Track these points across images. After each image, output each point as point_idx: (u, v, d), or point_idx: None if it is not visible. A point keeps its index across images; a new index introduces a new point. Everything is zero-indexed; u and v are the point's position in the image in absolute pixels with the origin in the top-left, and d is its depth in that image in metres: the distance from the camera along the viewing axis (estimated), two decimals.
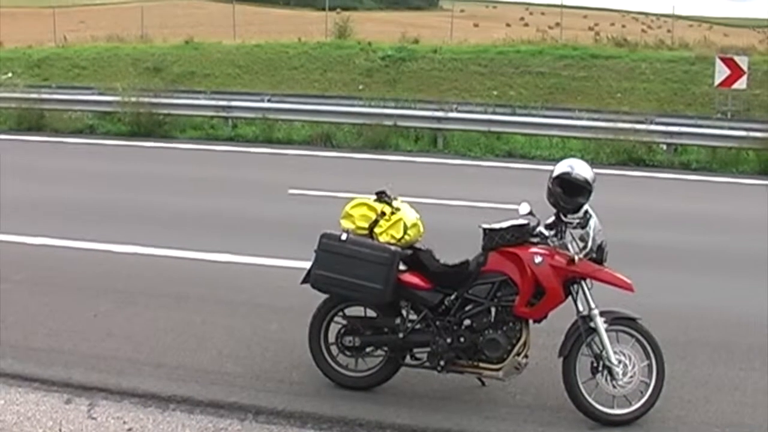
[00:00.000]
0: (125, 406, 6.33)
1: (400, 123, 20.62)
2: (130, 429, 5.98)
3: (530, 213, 6.20)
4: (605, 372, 6.17)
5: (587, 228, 6.13)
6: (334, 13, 42.40)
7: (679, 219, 13.15)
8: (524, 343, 6.26)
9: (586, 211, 6.19)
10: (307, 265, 6.47)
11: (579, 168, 6.18)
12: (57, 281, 9.21)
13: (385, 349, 6.55)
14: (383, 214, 6.40)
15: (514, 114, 21.50)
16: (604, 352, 6.15)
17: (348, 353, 6.63)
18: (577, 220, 6.20)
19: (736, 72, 22.72)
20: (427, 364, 6.42)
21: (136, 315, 8.19)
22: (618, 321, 6.24)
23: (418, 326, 6.42)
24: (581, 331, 6.18)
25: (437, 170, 17.62)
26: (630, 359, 6.19)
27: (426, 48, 31.69)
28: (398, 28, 41.24)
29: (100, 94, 23.40)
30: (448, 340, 6.30)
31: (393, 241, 6.31)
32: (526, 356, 6.30)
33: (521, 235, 6.25)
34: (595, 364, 6.20)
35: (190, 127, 21.77)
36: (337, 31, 36.25)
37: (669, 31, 43.40)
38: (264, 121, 21.20)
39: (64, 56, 32.76)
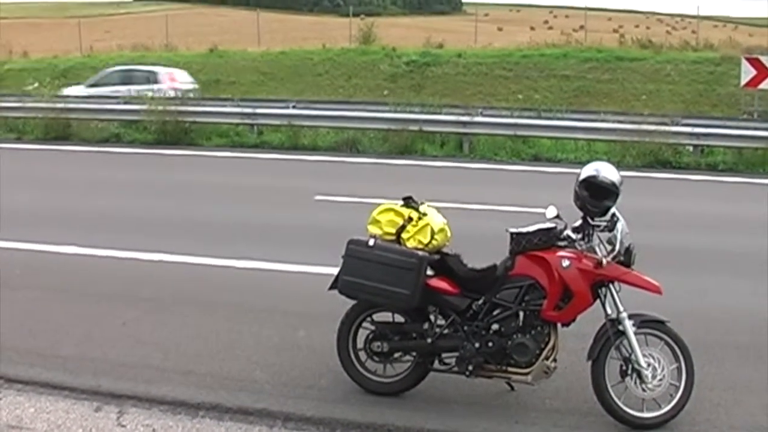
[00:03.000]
0: (154, 413, 6.35)
1: (426, 128, 20.63)
2: None
3: (557, 216, 6.18)
4: (634, 375, 6.14)
5: (615, 231, 6.10)
6: (358, 20, 42.48)
7: (706, 221, 13.08)
8: (553, 347, 6.24)
9: (614, 214, 6.16)
10: (335, 271, 6.48)
11: (606, 171, 6.16)
12: (85, 289, 9.26)
13: (414, 354, 6.54)
14: (410, 219, 6.39)
15: (539, 117, 21.39)
16: (632, 355, 6.12)
17: (376, 359, 6.62)
18: (605, 223, 6.18)
19: (762, 72, 22.54)
20: (456, 369, 6.41)
21: (165, 323, 8.22)
22: (646, 324, 6.21)
23: (446, 331, 6.40)
24: (610, 335, 6.15)
25: (463, 175, 17.60)
26: (659, 362, 6.15)
27: (450, 52, 31.67)
28: (422, 33, 41.27)
29: (126, 102, 23.53)
30: (477, 345, 6.28)
31: (420, 246, 6.31)
32: (554, 360, 6.28)
33: (548, 238, 6.22)
34: (624, 368, 6.17)
35: (216, 135, 21.86)
36: (362, 37, 36.30)
37: (694, 31, 43.16)
38: (289, 127, 21.27)
39: (90, 66, 32.94)
